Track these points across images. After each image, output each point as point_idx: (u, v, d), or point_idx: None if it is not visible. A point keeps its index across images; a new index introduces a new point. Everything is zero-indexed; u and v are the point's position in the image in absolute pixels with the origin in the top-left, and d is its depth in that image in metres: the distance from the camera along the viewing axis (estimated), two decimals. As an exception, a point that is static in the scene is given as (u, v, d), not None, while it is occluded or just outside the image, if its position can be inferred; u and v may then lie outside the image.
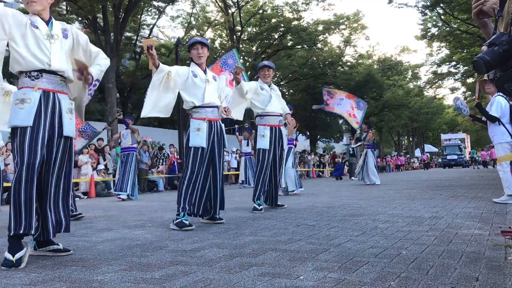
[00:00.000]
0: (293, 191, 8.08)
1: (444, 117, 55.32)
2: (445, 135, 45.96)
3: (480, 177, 14.11)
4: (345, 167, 21.19)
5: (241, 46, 27.14)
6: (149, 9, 24.00)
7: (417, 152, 53.83)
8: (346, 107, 11.61)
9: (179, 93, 4.03)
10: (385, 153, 42.60)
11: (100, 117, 20.05)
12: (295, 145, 8.52)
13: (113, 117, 8.88)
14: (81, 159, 11.92)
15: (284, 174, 8.05)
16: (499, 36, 1.57)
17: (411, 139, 57.37)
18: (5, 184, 9.81)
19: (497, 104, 5.26)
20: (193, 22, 28.79)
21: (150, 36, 26.20)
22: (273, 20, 27.56)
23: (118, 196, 8.85)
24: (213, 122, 4.02)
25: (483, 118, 5.60)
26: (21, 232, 2.44)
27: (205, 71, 4.10)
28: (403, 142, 59.82)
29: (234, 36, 26.38)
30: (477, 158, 37.06)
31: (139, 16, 23.69)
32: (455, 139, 43.09)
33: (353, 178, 17.34)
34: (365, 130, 11.96)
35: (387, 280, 1.93)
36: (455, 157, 39.46)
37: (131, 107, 24.36)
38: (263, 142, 5.14)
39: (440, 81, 36.50)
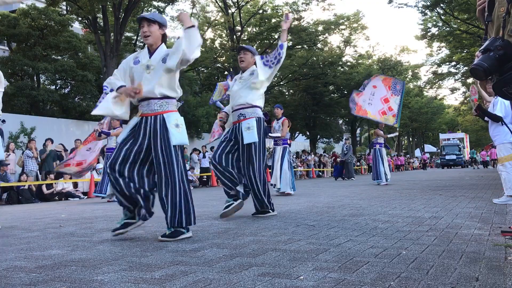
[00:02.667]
0: (284, 191, 8.09)
1: (444, 117, 55.30)
2: (444, 135, 45.48)
3: (480, 177, 14.11)
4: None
5: (241, 46, 27.12)
6: (149, 9, 24.01)
7: (417, 152, 53.78)
8: (378, 105, 9.35)
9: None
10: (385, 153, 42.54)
11: (100, 117, 20.03)
12: (290, 145, 8.47)
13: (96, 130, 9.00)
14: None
15: (280, 174, 8.04)
16: (493, 41, 1.57)
17: (411, 139, 57.38)
18: (4, 184, 9.83)
19: (501, 104, 5.24)
20: (193, 22, 28.77)
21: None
22: (273, 20, 27.58)
23: (108, 200, 8.61)
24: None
25: (485, 118, 5.57)
26: None
27: (153, 53, 3.34)
28: (403, 142, 59.82)
29: (234, 36, 26.39)
30: (477, 158, 36.95)
31: (139, 16, 23.69)
32: (454, 138, 42.68)
33: (353, 178, 17.29)
34: (381, 128, 11.57)
35: (387, 280, 1.93)
36: (454, 157, 38.80)
37: (131, 107, 24.33)
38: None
39: (440, 81, 36.50)
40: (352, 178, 17.20)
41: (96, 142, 8.86)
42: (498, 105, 5.26)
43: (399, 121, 8.91)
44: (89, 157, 8.79)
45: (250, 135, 4.37)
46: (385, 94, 9.20)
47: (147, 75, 3.27)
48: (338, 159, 20.00)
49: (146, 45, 3.41)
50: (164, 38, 3.42)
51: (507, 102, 5.20)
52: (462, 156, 39.62)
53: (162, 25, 3.36)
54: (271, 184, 8.03)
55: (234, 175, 4.40)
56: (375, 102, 9.23)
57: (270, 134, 8.04)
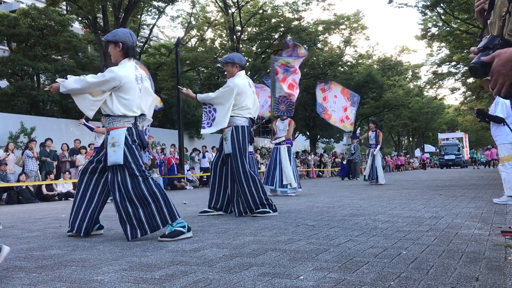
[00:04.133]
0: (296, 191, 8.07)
1: (444, 117, 55.28)
2: (443, 135, 45.01)
3: (480, 177, 14.11)
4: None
5: (241, 46, 27.15)
6: (149, 9, 24.00)
7: (417, 152, 53.74)
8: (340, 113, 10.41)
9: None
10: (385, 153, 42.54)
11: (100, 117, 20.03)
12: (292, 145, 8.49)
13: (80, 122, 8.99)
14: (79, 159, 11.93)
15: (291, 173, 7.98)
16: (491, 39, 1.56)
17: (411, 139, 57.39)
18: (4, 184, 9.83)
19: (502, 104, 5.24)
20: (193, 22, 28.79)
21: (150, 36, 26.22)
22: (273, 20, 27.58)
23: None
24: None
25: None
26: None
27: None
28: (403, 142, 59.83)
29: (234, 36, 26.39)
30: (477, 158, 36.75)
31: (139, 16, 23.70)
32: (453, 138, 42.27)
33: (357, 178, 17.24)
34: (373, 130, 11.66)
35: (387, 280, 1.93)
36: (453, 157, 38.03)
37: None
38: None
39: (440, 81, 36.49)
40: (357, 178, 17.14)
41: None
42: (499, 106, 5.26)
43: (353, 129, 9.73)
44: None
45: (227, 146, 4.67)
46: (345, 104, 10.25)
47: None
48: (337, 160, 20.01)
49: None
50: (125, 53, 3.44)
51: (508, 102, 5.20)
52: (461, 156, 39.13)
53: (115, 43, 3.43)
54: (284, 185, 7.89)
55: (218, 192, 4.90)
56: (337, 110, 10.28)
57: (272, 142, 8.16)
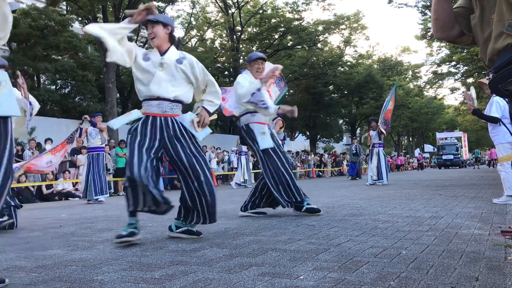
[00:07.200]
0: None
1: (444, 117, 55.25)
2: (441, 134, 44.40)
3: (480, 177, 14.11)
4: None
5: (241, 46, 27.15)
6: (149, 9, 23.98)
7: (417, 152, 53.73)
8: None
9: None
10: (385, 153, 42.47)
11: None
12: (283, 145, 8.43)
13: (81, 120, 8.84)
14: (80, 159, 11.92)
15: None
16: None
17: (411, 139, 57.40)
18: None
19: (496, 104, 5.24)
20: (193, 22, 28.80)
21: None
22: (273, 20, 27.59)
23: (100, 200, 8.36)
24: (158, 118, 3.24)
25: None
26: None
27: (164, 53, 3.28)
28: (403, 142, 59.84)
29: (234, 36, 26.40)
30: (481, 158, 36.46)
31: (139, 16, 23.68)
32: (451, 137, 41.73)
33: (357, 178, 17.18)
34: (374, 129, 11.35)
35: (387, 280, 1.93)
36: (451, 157, 37.11)
37: (131, 107, 24.35)
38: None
39: (440, 81, 36.46)
40: (357, 178, 17.06)
41: (60, 154, 7.06)
42: (494, 106, 5.26)
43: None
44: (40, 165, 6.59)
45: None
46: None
47: (160, 72, 3.19)
48: (339, 159, 19.97)
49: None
50: (172, 39, 3.37)
51: (503, 102, 5.20)
52: (459, 156, 38.56)
53: (166, 25, 3.31)
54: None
55: None
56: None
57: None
